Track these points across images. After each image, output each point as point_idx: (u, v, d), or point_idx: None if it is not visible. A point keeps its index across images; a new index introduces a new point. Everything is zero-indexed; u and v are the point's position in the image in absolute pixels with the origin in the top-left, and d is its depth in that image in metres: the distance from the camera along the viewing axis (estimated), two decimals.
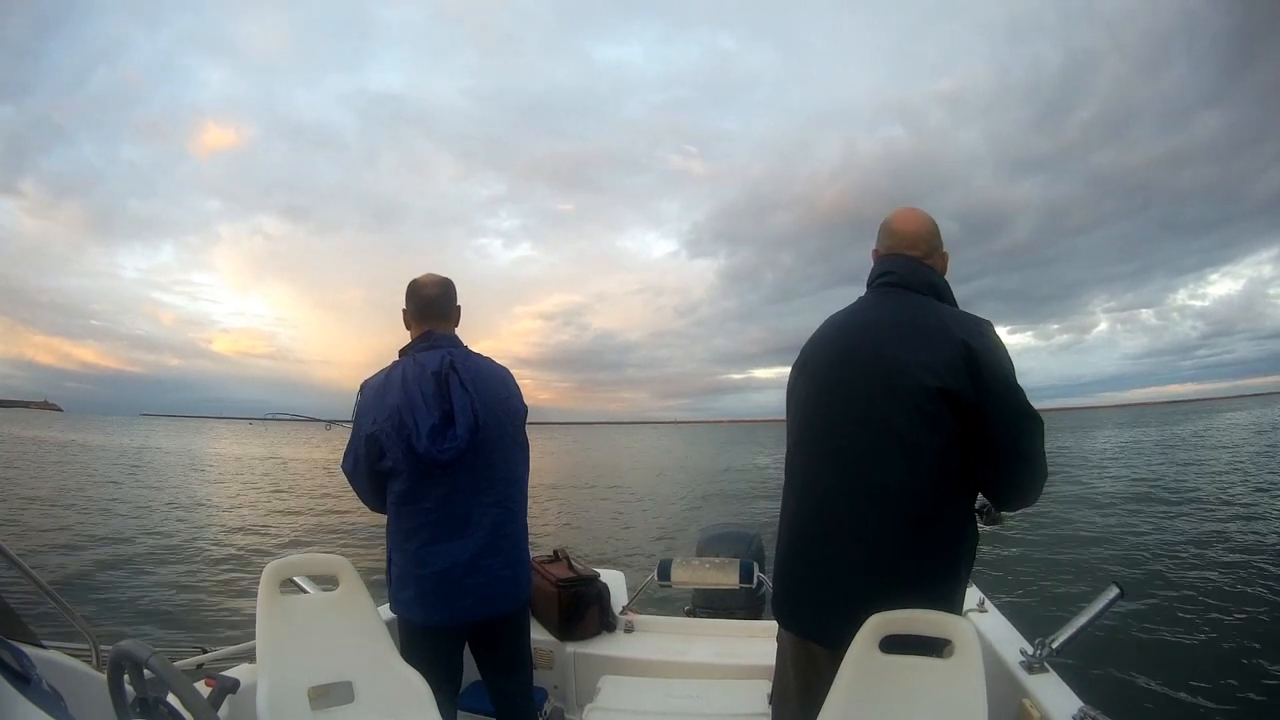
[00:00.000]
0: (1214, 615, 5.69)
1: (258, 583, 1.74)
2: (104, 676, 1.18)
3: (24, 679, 1.02)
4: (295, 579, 2.00)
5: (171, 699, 1.14)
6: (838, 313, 1.61)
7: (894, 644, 1.37)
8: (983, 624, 2.03)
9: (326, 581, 1.89)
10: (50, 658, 1.49)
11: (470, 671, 2.06)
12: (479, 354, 1.96)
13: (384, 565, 1.93)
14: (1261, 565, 7.27)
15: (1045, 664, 1.74)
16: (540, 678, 2.46)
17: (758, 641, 2.37)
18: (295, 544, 10.69)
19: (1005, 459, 1.39)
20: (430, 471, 1.78)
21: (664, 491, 19.00)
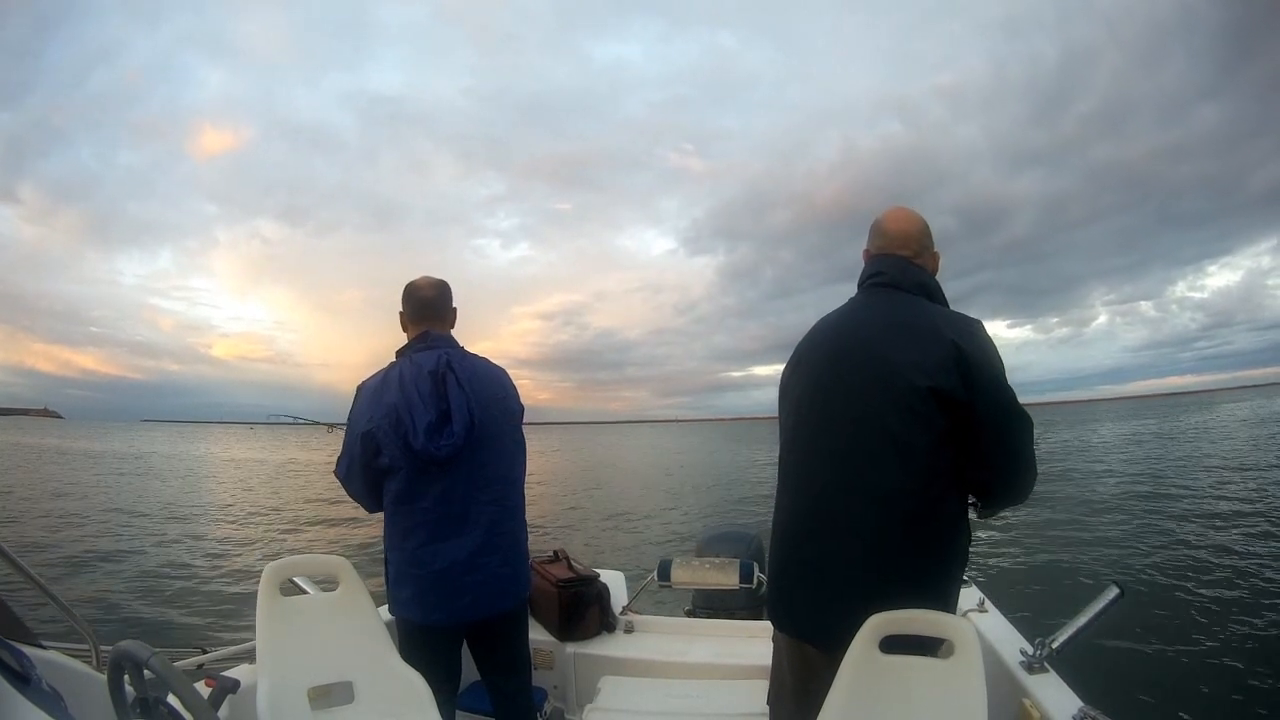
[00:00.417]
0: (1214, 615, 5.69)
1: (258, 583, 1.74)
2: (104, 677, 1.18)
3: (24, 679, 1.02)
4: (295, 579, 2.01)
5: (171, 699, 1.14)
6: (830, 313, 1.62)
7: (894, 644, 1.37)
8: (983, 624, 2.03)
9: (326, 582, 1.90)
10: (50, 658, 1.48)
11: (470, 672, 2.06)
12: (475, 354, 1.98)
13: (382, 566, 1.93)
14: (1262, 565, 7.27)
15: (1045, 664, 1.74)
16: (540, 678, 2.46)
17: (758, 642, 2.36)
18: (295, 545, 10.69)
19: (995, 458, 1.41)
20: (427, 469, 1.79)
21: (663, 491, 18.99)
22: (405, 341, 1.98)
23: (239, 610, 6.47)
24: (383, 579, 1.93)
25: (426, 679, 1.74)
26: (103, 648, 1.70)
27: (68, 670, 1.51)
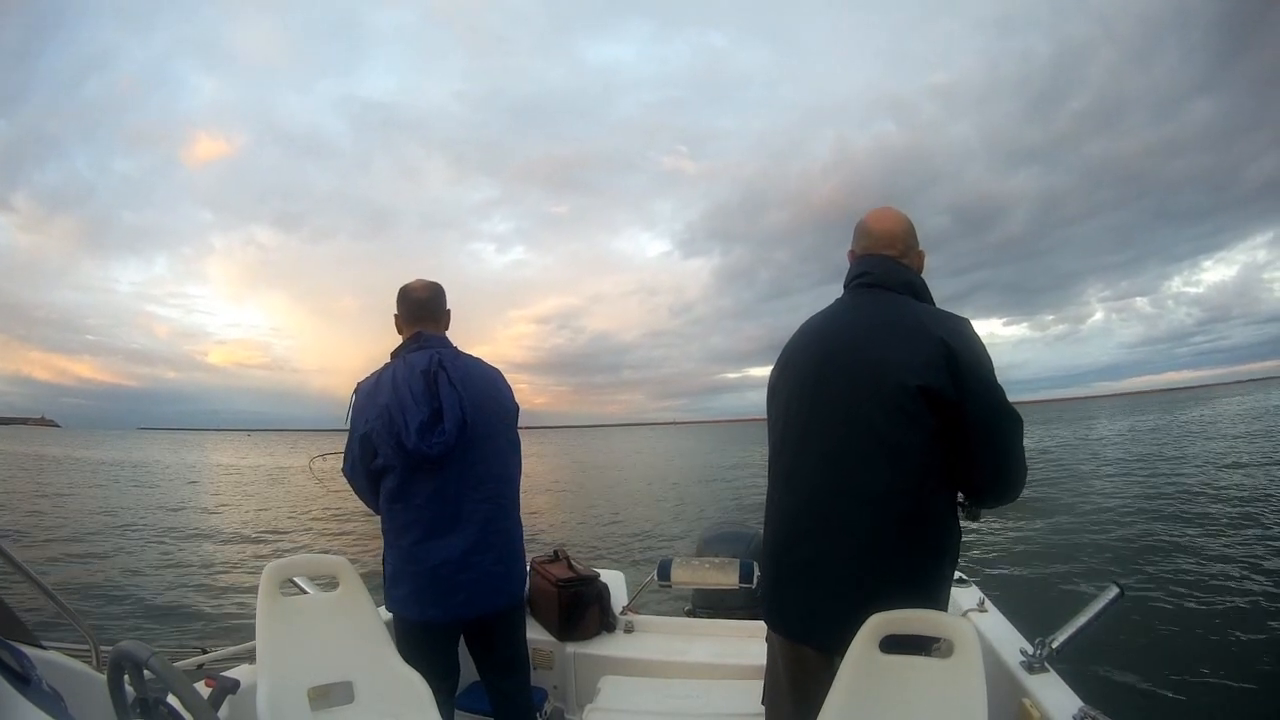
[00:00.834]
0: (1214, 615, 5.69)
1: (258, 583, 1.74)
2: (104, 677, 1.18)
3: (24, 679, 1.02)
4: (295, 579, 2.01)
5: (171, 699, 1.14)
6: (816, 314, 1.62)
7: (893, 644, 1.37)
8: (983, 624, 2.03)
9: (326, 582, 1.90)
10: (50, 658, 1.49)
11: (470, 672, 2.06)
12: (469, 355, 2.00)
13: (383, 567, 1.94)
14: (1262, 564, 7.27)
15: (1045, 664, 1.74)
16: (540, 678, 2.46)
17: (757, 642, 2.35)
18: (295, 545, 10.69)
19: (985, 457, 1.41)
20: (420, 467, 1.81)
21: (662, 492, 19.00)
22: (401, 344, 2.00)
23: (239, 610, 6.47)
24: (382, 579, 1.94)
25: (424, 677, 1.75)
26: (103, 648, 1.70)
27: (68, 670, 1.51)
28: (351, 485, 1.97)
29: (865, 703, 1.35)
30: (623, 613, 2.72)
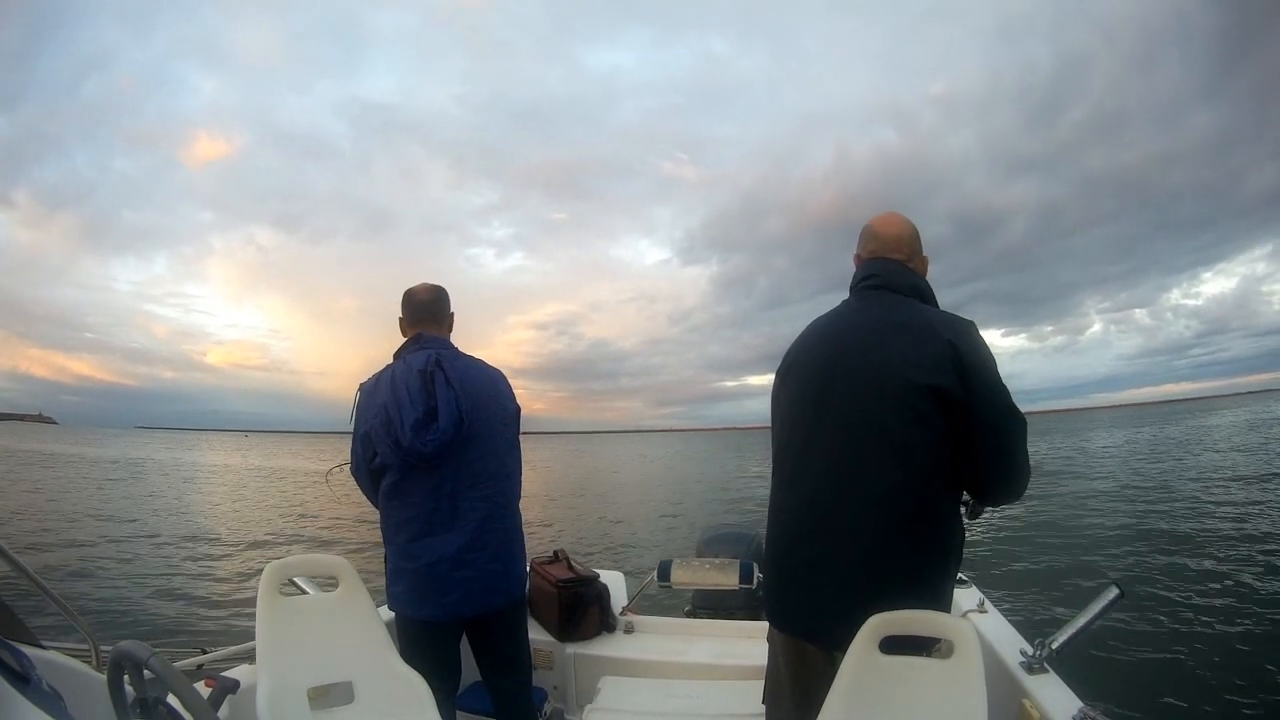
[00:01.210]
0: (1214, 615, 5.69)
1: (258, 583, 1.74)
2: (104, 677, 1.18)
3: (24, 679, 1.02)
4: (295, 579, 2.01)
5: (171, 699, 1.14)
6: (821, 317, 1.62)
7: (894, 644, 1.37)
8: (983, 624, 2.03)
9: (326, 582, 1.90)
10: (50, 658, 1.49)
11: (471, 672, 2.06)
12: (470, 356, 2.02)
13: (383, 566, 1.95)
14: (1261, 565, 7.27)
15: (1045, 664, 1.74)
16: (540, 678, 2.46)
17: (757, 642, 2.35)
18: (295, 545, 10.69)
19: (991, 457, 1.42)
20: (416, 465, 1.83)
21: (662, 497, 19.01)
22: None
23: (239, 610, 6.47)
24: (383, 579, 1.95)
25: (425, 675, 1.75)
26: (103, 648, 1.70)
27: (68, 670, 1.51)
28: (359, 485, 2.00)
29: (865, 703, 1.35)
30: (623, 613, 2.72)
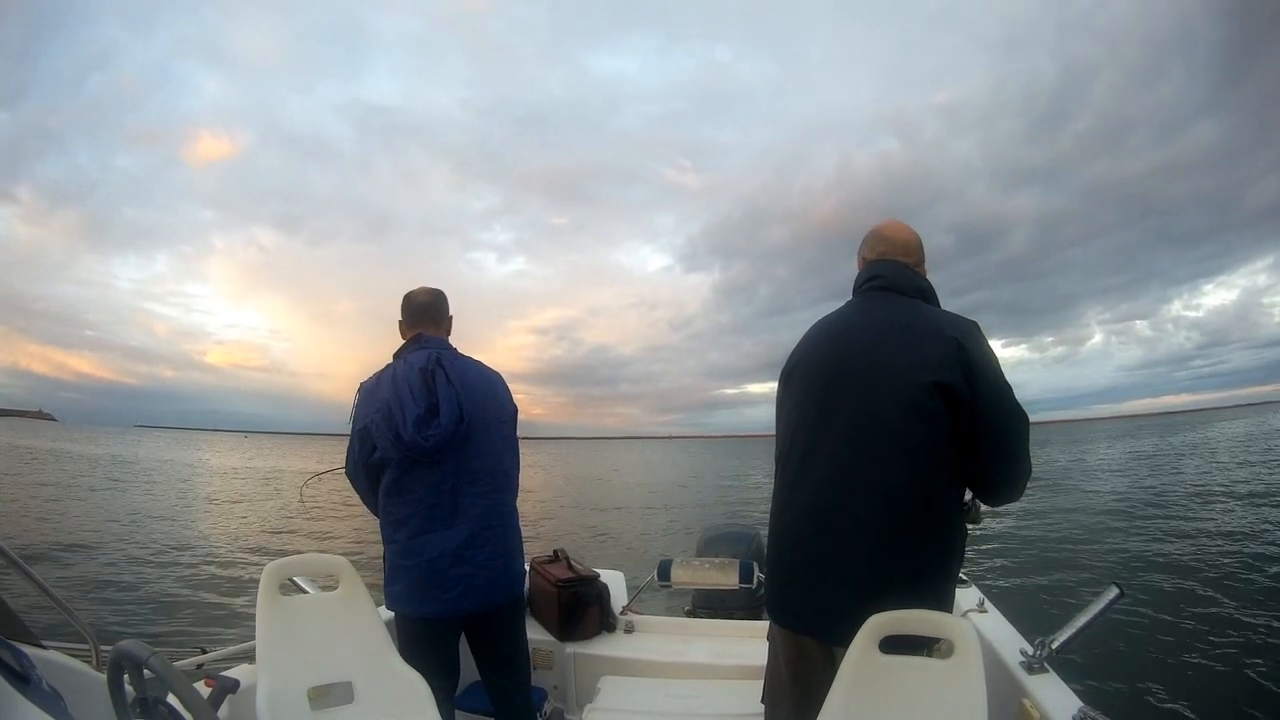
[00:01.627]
0: (1213, 615, 5.69)
1: (257, 583, 1.74)
2: (104, 676, 1.18)
3: (24, 679, 1.02)
4: (295, 579, 2.02)
5: (171, 699, 1.14)
6: (825, 318, 1.63)
7: (894, 644, 1.37)
8: (983, 624, 2.03)
9: (326, 581, 1.90)
10: (50, 658, 1.49)
11: (470, 672, 2.06)
12: (469, 356, 2.04)
13: (383, 566, 1.95)
14: (1260, 566, 7.27)
15: (1045, 664, 1.74)
16: (540, 678, 2.46)
17: (757, 642, 2.35)
18: (295, 545, 10.69)
19: (994, 454, 1.43)
20: (417, 461, 1.84)
21: (662, 499, 19.01)
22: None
23: (239, 610, 6.47)
24: (382, 579, 1.95)
25: (423, 674, 1.76)
26: (103, 648, 1.70)
27: (68, 670, 1.51)
28: (354, 486, 2.00)
29: (865, 703, 1.35)
30: (623, 613, 2.72)
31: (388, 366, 1.98)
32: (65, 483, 19.75)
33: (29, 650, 1.27)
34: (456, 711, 2.05)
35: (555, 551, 2.82)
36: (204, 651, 2.08)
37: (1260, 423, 55.80)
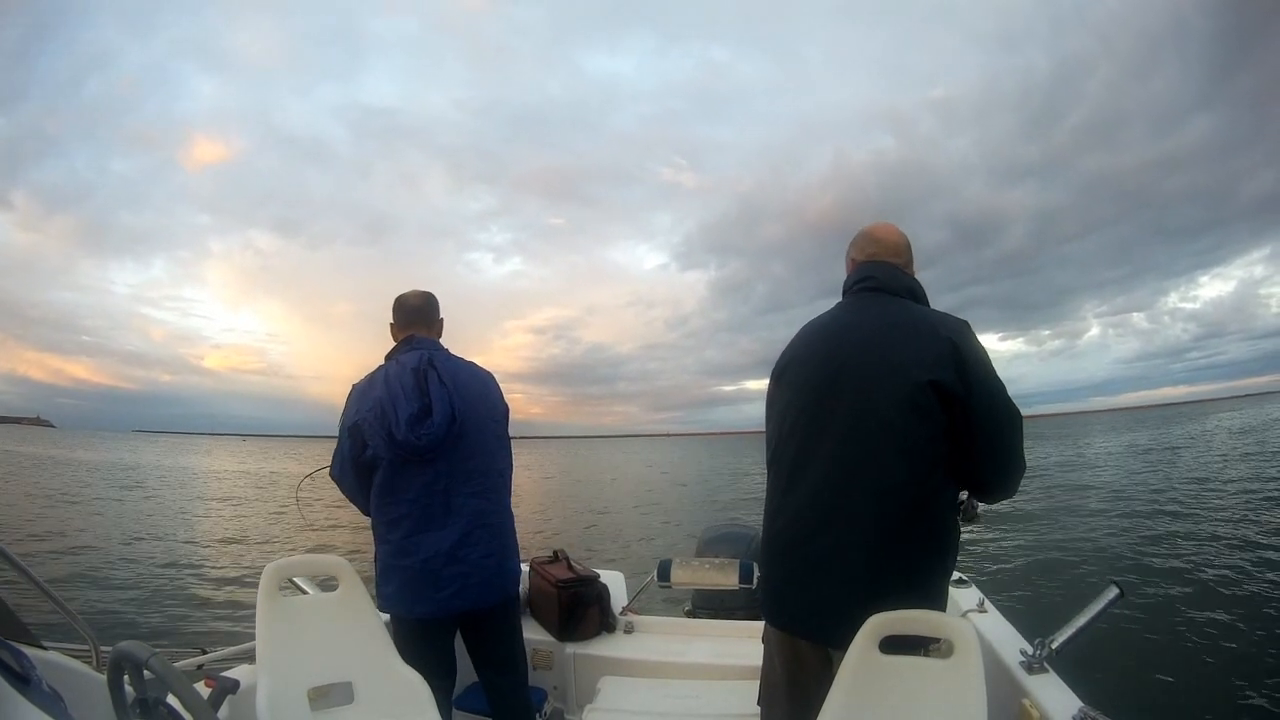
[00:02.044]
0: (1214, 615, 5.69)
1: (257, 584, 1.74)
2: (104, 677, 1.18)
3: (24, 679, 1.02)
4: (295, 580, 2.02)
5: (171, 699, 1.14)
6: (816, 318, 1.64)
7: (893, 644, 1.37)
8: (983, 624, 2.03)
9: (326, 582, 1.90)
10: (50, 658, 1.49)
11: (468, 673, 2.06)
12: (460, 357, 2.06)
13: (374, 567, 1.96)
14: (1260, 564, 7.27)
15: (1045, 664, 1.74)
16: (540, 678, 2.46)
17: (757, 642, 2.35)
18: (295, 545, 10.69)
19: (989, 451, 1.44)
20: (410, 460, 1.85)
21: (661, 499, 19.01)
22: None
23: (239, 610, 6.47)
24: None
25: (421, 675, 1.76)
26: (103, 648, 1.70)
27: (68, 670, 1.51)
28: (340, 487, 1.99)
29: (865, 703, 1.35)
30: (622, 613, 2.72)
31: (380, 367, 1.99)
32: (64, 488, 19.75)
33: (29, 651, 1.27)
34: (455, 711, 2.05)
35: (555, 552, 2.81)
36: (204, 652, 2.08)
37: (1258, 414, 55.84)
